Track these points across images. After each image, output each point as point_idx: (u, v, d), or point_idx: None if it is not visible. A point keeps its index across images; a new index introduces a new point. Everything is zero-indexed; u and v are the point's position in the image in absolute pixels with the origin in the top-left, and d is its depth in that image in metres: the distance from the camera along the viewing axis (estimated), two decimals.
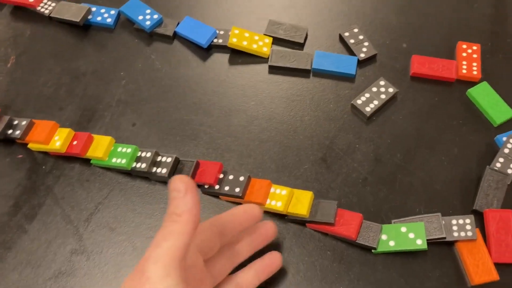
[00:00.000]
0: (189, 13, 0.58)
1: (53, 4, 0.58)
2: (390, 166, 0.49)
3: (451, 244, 0.44)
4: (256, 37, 0.55)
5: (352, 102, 0.52)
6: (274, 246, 0.44)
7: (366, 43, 0.55)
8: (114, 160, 0.48)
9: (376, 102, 0.52)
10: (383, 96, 0.52)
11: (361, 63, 0.55)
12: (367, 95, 0.52)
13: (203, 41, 0.55)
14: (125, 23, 0.58)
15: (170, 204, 0.32)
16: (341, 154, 0.49)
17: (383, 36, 0.57)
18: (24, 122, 0.49)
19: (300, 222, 0.45)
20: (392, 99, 0.52)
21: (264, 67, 0.55)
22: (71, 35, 0.58)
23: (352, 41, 0.56)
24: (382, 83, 0.53)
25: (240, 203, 0.46)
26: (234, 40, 0.54)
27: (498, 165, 0.48)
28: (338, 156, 0.49)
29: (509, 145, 0.48)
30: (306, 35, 0.57)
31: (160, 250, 0.30)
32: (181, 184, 0.32)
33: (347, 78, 0.54)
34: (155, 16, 0.56)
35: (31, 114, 0.52)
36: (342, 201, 0.47)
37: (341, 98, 0.53)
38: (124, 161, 0.47)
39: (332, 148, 0.50)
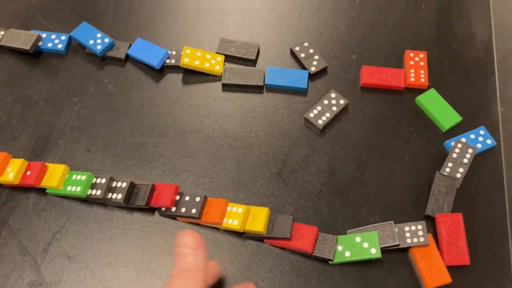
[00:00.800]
0: (141, 35, 0.59)
1: (2, 32, 0.58)
2: (344, 177, 0.50)
3: (405, 250, 0.45)
4: (208, 56, 0.56)
5: (304, 115, 0.53)
6: (233, 264, 0.45)
7: (316, 57, 0.56)
8: (69, 188, 0.47)
9: (328, 115, 0.53)
10: (334, 108, 0.53)
11: (312, 77, 0.56)
12: (319, 108, 0.53)
13: (155, 62, 0.55)
14: (76, 48, 0.58)
15: (178, 259, 0.33)
16: (296, 168, 0.50)
17: (333, 49, 0.58)
18: None
19: (258, 238, 0.46)
20: (343, 111, 0.54)
21: (218, 85, 0.55)
22: (22, 63, 0.57)
23: (302, 55, 0.57)
24: (333, 95, 0.54)
25: (198, 224, 0.46)
26: (186, 60, 0.55)
27: (448, 170, 0.49)
28: (293, 170, 0.50)
29: (457, 150, 0.50)
30: (258, 51, 0.57)
31: None
32: (190, 240, 0.33)
33: (299, 92, 0.55)
34: (106, 40, 0.56)
35: None
36: (299, 214, 0.47)
37: (294, 112, 0.54)
38: (79, 189, 0.47)
39: (287, 162, 0.51)
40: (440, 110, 0.53)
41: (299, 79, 0.55)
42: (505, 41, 0.62)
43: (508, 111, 0.56)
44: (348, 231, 0.46)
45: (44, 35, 0.58)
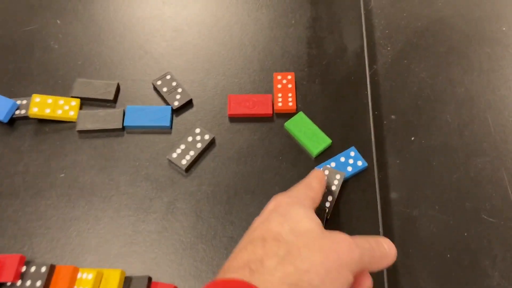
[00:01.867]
0: None
1: None
2: (211, 220, 0.47)
3: None
4: (61, 102, 0.52)
5: (167, 156, 0.49)
6: None
7: (179, 89, 0.53)
8: None
9: (192, 153, 0.49)
10: (199, 145, 0.50)
11: (177, 111, 0.53)
12: (183, 146, 0.50)
13: (1, 116, 0.50)
14: None
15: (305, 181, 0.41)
16: (160, 217, 0.47)
17: (198, 78, 0.55)
18: None
19: None
20: (210, 146, 0.50)
21: (74, 133, 0.51)
22: None
23: (165, 89, 0.53)
24: (197, 130, 0.51)
25: None
26: (35, 109, 0.50)
27: None
28: (157, 220, 0.47)
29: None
30: (118, 90, 0.54)
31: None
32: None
33: (163, 130, 0.51)
34: None
35: None
36: (160, 270, 0.44)
37: (158, 153, 0.50)
38: None
39: (150, 211, 0.47)
40: (308, 134, 0.50)
41: (161, 116, 0.51)
42: (394, 43, 0.61)
43: (399, 119, 0.54)
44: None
45: None
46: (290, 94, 0.53)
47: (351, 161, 0.49)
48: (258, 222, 0.35)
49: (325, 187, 0.43)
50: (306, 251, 0.31)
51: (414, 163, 0.51)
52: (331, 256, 0.31)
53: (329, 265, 0.31)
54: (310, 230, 0.33)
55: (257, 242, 0.32)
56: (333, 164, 0.49)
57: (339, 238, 0.33)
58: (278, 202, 0.36)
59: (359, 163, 0.49)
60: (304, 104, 0.53)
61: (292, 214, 0.34)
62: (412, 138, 0.53)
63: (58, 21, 0.59)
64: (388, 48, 0.60)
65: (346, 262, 0.31)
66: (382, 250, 0.35)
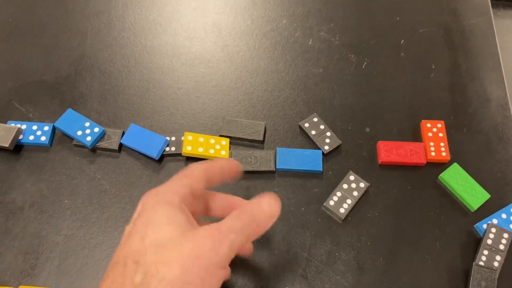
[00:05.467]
0: (133, 119, 0.53)
1: None
2: (375, 273, 0.46)
3: None
4: (212, 140, 0.51)
5: (324, 203, 0.48)
6: None
7: (328, 133, 0.52)
8: None
9: (349, 202, 0.48)
10: (355, 193, 0.49)
11: (326, 156, 0.52)
12: (339, 194, 0.49)
13: (154, 153, 0.49)
14: (62, 138, 0.52)
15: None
16: (321, 267, 0.46)
17: (344, 122, 0.54)
18: None
19: None
20: (364, 194, 0.49)
21: None
22: (1, 161, 0.50)
23: (313, 132, 0.52)
24: (351, 178, 0.50)
25: None
26: (189, 148, 0.50)
27: (483, 258, 0.45)
28: (319, 269, 0.46)
29: (491, 235, 0.46)
30: (265, 130, 0.53)
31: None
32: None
33: (314, 174, 0.51)
34: (96, 130, 0.50)
35: None
36: None
37: (311, 198, 0.49)
38: None
39: (311, 260, 0.46)
40: (466, 187, 0.49)
41: (313, 161, 0.50)
42: None
43: None
44: None
45: (24, 126, 0.51)
46: (442, 144, 0.52)
47: None
48: (126, 233, 0.33)
49: (220, 173, 0.38)
50: (163, 269, 0.30)
51: None
52: (191, 265, 0.30)
53: (189, 276, 0.29)
54: (170, 239, 0.31)
55: (119, 268, 0.31)
56: (495, 221, 0.48)
57: (201, 237, 0.31)
58: (144, 204, 0.34)
59: None
60: (455, 154, 0.52)
61: (154, 221, 0.32)
62: None
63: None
64: None
65: (212, 262, 0.30)
66: (260, 217, 0.34)
